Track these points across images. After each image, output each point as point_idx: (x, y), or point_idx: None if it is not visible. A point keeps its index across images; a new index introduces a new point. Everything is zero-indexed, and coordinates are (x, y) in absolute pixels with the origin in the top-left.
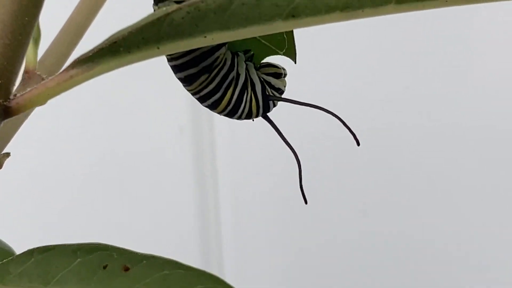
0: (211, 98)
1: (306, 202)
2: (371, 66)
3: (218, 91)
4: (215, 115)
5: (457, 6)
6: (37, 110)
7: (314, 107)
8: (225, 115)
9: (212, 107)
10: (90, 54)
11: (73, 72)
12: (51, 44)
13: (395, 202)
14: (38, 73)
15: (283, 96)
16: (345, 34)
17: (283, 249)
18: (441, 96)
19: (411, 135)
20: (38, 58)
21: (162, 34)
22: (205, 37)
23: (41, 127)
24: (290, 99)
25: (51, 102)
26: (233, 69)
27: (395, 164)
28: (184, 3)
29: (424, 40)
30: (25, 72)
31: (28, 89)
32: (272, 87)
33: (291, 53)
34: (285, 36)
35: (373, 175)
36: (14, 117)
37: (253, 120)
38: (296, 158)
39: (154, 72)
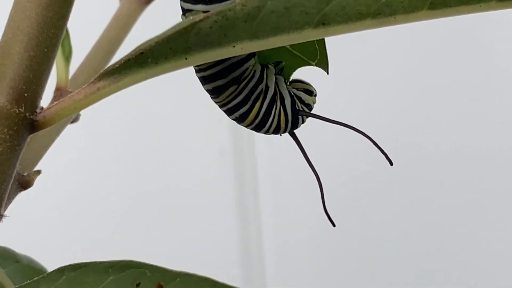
0: (239, 111)
1: (333, 225)
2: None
3: (246, 103)
4: (255, 136)
5: (490, 11)
6: (75, 129)
7: (344, 126)
8: (253, 129)
9: (240, 119)
10: (117, 65)
11: (100, 84)
12: (83, 61)
13: (430, 218)
14: (69, 90)
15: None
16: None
17: (326, 272)
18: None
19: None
20: (70, 75)
21: (190, 44)
22: (234, 46)
23: (78, 146)
24: (321, 116)
25: (90, 121)
26: (262, 81)
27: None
28: (211, 12)
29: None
30: (57, 89)
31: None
32: (302, 102)
33: (323, 64)
34: (316, 46)
35: (408, 191)
36: (44, 134)
37: (280, 135)
38: (318, 181)
39: (195, 95)
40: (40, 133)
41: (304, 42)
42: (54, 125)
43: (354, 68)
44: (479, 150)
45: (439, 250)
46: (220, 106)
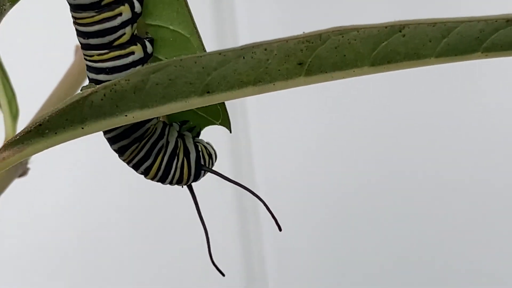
0: (142, 165)
1: (223, 275)
2: None
3: (148, 158)
4: (254, 157)
5: (363, 75)
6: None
7: (240, 186)
8: (158, 181)
9: (145, 173)
10: (18, 137)
11: (5, 154)
12: (32, 119)
13: (435, 221)
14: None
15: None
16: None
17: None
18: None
19: None
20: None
21: (85, 115)
22: (126, 115)
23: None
24: (220, 173)
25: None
26: (162, 137)
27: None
28: (99, 86)
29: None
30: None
31: None
32: (209, 153)
33: (226, 123)
34: (219, 107)
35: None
36: None
37: (182, 186)
38: (206, 234)
39: None
40: None
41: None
42: None
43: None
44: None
45: (444, 253)
46: (127, 163)
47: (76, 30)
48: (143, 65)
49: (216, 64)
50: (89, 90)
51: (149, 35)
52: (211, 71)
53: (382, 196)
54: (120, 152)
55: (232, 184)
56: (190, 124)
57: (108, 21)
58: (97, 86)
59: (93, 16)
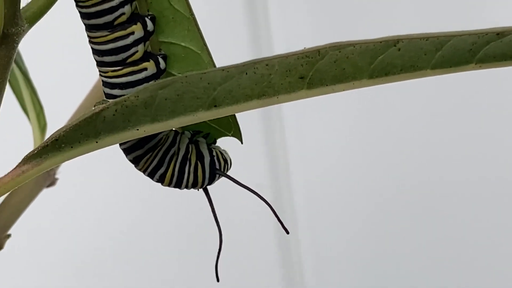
0: (157, 173)
1: (218, 280)
2: None
3: (161, 166)
4: (292, 171)
5: (363, 87)
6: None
7: (250, 191)
8: (174, 187)
9: (161, 180)
10: (36, 151)
11: (24, 168)
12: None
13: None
14: None
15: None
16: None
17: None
18: None
19: None
20: None
21: (99, 130)
22: (137, 129)
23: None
24: (234, 178)
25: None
26: (174, 145)
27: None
28: (111, 102)
29: None
30: None
31: None
32: (224, 158)
33: (238, 134)
34: (230, 120)
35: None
36: (17, 200)
37: (197, 190)
38: (220, 236)
39: None
40: (11, 199)
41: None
42: (27, 191)
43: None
44: None
45: (483, 257)
46: (143, 172)
47: (92, 48)
48: (155, 80)
49: (221, 79)
50: (101, 106)
51: (162, 52)
52: (216, 86)
53: (423, 201)
54: (135, 162)
55: (269, 188)
56: (203, 133)
57: (121, 39)
58: (109, 102)
59: (106, 35)
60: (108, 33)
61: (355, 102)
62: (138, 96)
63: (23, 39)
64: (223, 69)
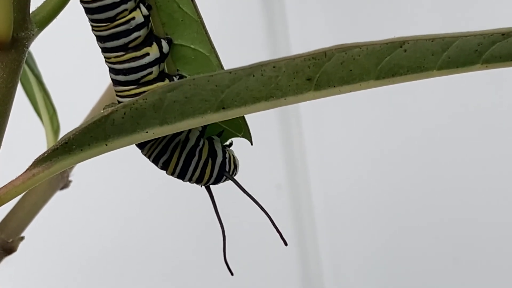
0: (160, 159)
1: (232, 273)
2: None
3: (165, 153)
4: (310, 171)
5: (370, 88)
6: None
7: (253, 200)
8: (177, 177)
9: (164, 167)
10: (46, 154)
11: (34, 171)
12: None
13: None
14: None
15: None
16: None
17: None
18: None
19: None
20: None
21: (108, 133)
22: (146, 132)
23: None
24: (239, 184)
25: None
26: (179, 134)
27: None
28: (119, 105)
29: None
30: None
31: None
32: (234, 161)
33: (247, 136)
34: (240, 121)
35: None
36: (30, 202)
37: (201, 186)
38: (222, 232)
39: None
40: (25, 201)
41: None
42: (40, 194)
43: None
44: None
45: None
46: (148, 158)
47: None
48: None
49: (228, 82)
50: (110, 109)
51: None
52: (224, 89)
53: (443, 208)
54: (141, 147)
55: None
56: (217, 132)
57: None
58: (117, 105)
59: (122, 55)
60: (123, 53)
61: (372, 102)
62: (146, 99)
63: (35, 42)
64: (230, 71)
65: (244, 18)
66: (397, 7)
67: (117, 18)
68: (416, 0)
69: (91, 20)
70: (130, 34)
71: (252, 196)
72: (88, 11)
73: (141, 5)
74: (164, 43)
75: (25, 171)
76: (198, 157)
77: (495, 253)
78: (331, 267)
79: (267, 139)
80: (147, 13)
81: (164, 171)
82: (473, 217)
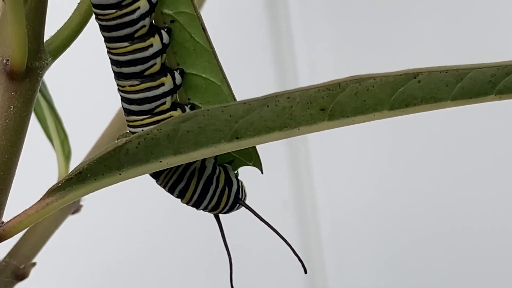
0: (177, 188)
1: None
2: None
3: (181, 181)
4: (317, 188)
5: (383, 119)
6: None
7: (270, 227)
8: (192, 206)
9: (180, 196)
10: (60, 184)
11: (48, 200)
12: (84, 159)
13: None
14: None
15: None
16: None
17: None
18: None
19: None
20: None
21: (122, 162)
22: (160, 162)
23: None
24: (254, 210)
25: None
26: (194, 161)
27: None
28: (133, 135)
29: None
30: None
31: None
32: (244, 189)
33: (258, 164)
34: (251, 150)
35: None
36: (42, 228)
37: (212, 213)
38: (229, 260)
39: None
40: (37, 227)
41: None
42: (52, 219)
43: None
44: None
45: None
46: (163, 188)
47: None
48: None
49: (242, 112)
50: (124, 139)
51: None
52: (238, 119)
53: (452, 232)
54: (155, 176)
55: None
56: (227, 160)
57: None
58: (132, 135)
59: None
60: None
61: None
62: (161, 129)
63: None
64: (244, 102)
65: (252, 46)
66: (402, 26)
67: (135, 37)
68: (423, 12)
69: (108, 41)
70: (147, 61)
71: (267, 222)
72: (106, 28)
73: (162, 31)
74: (177, 75)
75: (38, 201)
76: (216, 185)
77: (501, 263)
78: (338, 283)
79: (274, 156)
80: (168, 40)
81: (180, 199)
82: (480, 226)
